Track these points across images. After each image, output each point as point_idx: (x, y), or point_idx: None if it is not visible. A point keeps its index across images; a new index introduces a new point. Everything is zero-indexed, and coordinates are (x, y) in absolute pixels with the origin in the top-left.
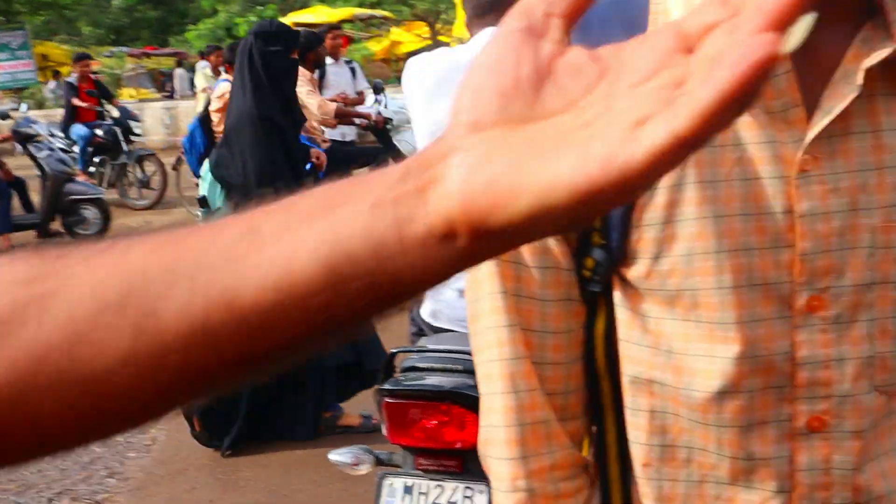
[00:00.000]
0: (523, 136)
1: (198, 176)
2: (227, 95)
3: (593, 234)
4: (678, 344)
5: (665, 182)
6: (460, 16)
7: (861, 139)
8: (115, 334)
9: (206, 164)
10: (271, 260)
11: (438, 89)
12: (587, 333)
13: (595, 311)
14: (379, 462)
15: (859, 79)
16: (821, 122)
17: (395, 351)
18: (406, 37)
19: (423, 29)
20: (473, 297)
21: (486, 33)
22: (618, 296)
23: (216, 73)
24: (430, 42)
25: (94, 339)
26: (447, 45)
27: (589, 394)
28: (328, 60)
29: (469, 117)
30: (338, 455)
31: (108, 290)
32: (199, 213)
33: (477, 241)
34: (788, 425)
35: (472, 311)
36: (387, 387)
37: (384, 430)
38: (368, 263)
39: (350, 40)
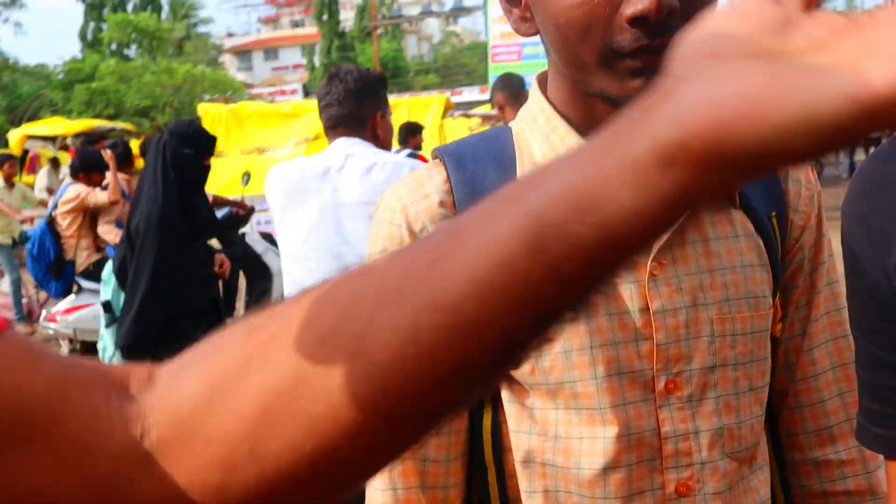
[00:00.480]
0: (775, 60)
1: (42, 287)
2: (82, 197)
3: None
4: (563, 429)
5: None
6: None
7: (694, 247)
8: (333, 366)
9: (107, 266)
10: (475, 250)
11: (295, 194)
12: (475, 430)
13: (482, 410)
14: None
15: None
16: (663, 235)
17: None
18: None
19: None
20: None
21: (339, 143)
22: (505, 394)
23: (9, 183)
24: None
25: (315, 377)
26: None
27: (478, 485)
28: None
29: (705, 50)
30: None
31: (322, 324)
32: (105, 318)
33: (704, 169)
34: (661, 493)
35: None
36: None
37: None
38: (570, 222)
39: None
